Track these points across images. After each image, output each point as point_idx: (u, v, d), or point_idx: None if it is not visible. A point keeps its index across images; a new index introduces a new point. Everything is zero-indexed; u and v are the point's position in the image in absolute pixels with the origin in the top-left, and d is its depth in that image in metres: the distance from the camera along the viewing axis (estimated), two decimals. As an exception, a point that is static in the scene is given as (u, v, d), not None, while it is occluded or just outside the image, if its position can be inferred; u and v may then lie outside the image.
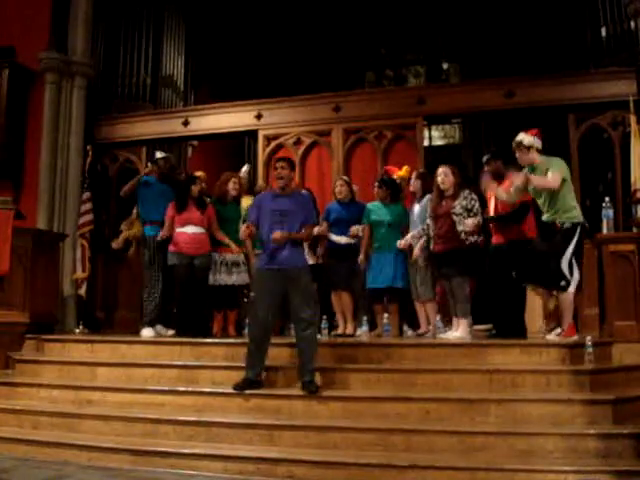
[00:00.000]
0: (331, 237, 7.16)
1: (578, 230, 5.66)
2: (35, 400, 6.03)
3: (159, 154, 7.59)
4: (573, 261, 5.63)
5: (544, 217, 5.85)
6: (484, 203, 6.56)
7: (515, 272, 5.96)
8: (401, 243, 6.76)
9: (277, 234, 5.32)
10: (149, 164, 7.76)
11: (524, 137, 5.84)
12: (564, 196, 5.69)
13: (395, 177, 7.36)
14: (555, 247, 5.67)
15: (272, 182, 7.77)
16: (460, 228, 6.16)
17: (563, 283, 5.63)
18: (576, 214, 5.72)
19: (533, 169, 5.85)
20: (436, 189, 6.48)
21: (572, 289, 5.66)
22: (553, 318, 5.94)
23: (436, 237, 6.38)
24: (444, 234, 6.28)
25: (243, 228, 5.66)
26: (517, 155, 5.92)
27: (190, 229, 6.91)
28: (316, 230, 7.04)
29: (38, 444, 5.37)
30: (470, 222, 6.14)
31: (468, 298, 6.23)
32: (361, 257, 6.95)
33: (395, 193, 7.11)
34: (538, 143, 5.85)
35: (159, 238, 6.96)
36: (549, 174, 5.64)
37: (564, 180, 5.66)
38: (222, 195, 7.27)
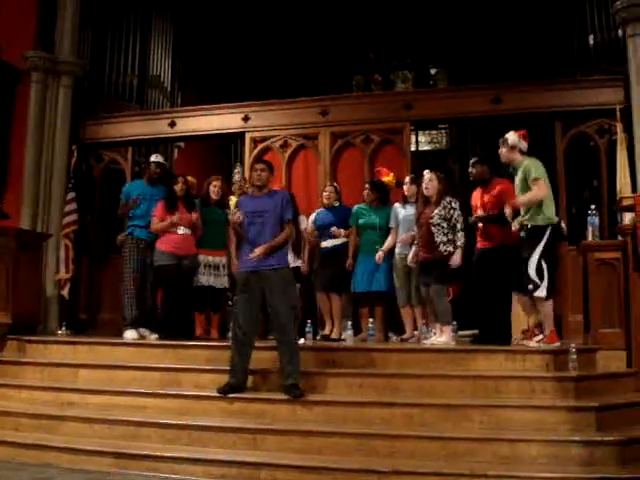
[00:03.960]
0: (321, 244, 7.17)
1: (548, 231, 5.60)
2: (16, 401, 5.98)
3: (154, 157, 7.58)
4: (543, 264, 5.54)
5: (519, 219, 5.80)
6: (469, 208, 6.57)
7: (506, 281, 5.99)
8: (380, 256, 6.79)
9: (255, 252, 5.33)
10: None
11: (510, 136, 5.92)
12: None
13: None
14: (524, 250, 5.67)
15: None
16: (437, 240, 6.10)
17: (530, 287, 5.57)
18: (548, 214, 5.67)
19: (513, 169, 5.92)
20: (421, 195, 6.43)
21: (541, 294, 5.55)
22: (532, 332, 5.91)
23: (419, 244, 6.35)
24: (424, 243, 6.23)
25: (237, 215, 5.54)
26: (500, 150, 5.98)
27: (180, 230, 6.92)
28: (305, 235, 7.06)
29: (19, 446, 5.31)
30: (456, 257, 6.09)
31: (447, 305, 6.18)
32: (349, 261, 6.95)
33: (384, 197, 7.13)
34: (523, 145, 5.91)
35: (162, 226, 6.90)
36: (533, 188, 5.64)
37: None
38: (205, 197, 7.31)
